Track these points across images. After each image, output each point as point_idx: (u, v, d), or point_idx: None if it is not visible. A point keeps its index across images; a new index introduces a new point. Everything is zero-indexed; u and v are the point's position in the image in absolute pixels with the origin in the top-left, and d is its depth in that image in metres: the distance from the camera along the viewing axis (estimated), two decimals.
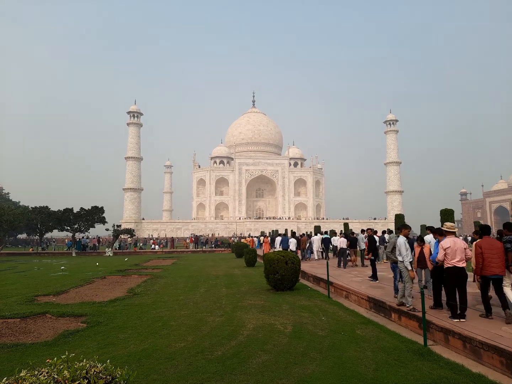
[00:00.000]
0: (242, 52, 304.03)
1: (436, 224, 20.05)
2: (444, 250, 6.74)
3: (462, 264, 6.68)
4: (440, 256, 6.85)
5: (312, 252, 21.74)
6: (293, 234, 22.83)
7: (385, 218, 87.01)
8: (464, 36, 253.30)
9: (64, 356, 2.65)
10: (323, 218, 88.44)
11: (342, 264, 16.10)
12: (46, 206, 39.36)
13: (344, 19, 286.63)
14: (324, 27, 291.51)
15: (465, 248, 6.76)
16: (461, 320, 6.41)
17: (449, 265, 6.70)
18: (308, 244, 21.50)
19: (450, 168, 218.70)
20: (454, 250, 6.67)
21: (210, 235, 69.70)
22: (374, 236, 14.36)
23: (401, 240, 7.63)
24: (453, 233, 6.95)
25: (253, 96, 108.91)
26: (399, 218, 26.73)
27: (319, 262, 19.11)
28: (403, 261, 7.49)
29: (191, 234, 67.05)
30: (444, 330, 6.17)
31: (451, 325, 6.13)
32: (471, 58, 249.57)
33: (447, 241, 6.80)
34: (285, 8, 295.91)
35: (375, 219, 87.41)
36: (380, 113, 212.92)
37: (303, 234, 24.15)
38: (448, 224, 7.01)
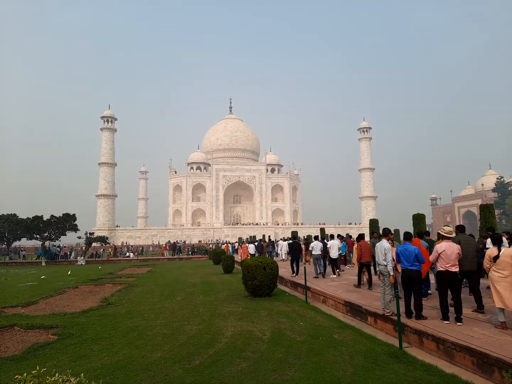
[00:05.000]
0: (220, 58, 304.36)
1: (409, 228, 20.61)
2: (439, 254, 6.77)
3: (455, 269, 6.65)
4: (432, 258, 6.96)
5: (277, 255, 26.81)
6: (253, 241, 28.08)
7: (357, 223, 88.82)
8: (438, 45, 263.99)
9: (34, 371, 2.53)
10: (301, 224, 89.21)
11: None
12: (14, 214, 37.75)
13: (320, 27, 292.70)
14: (301, 34, 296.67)
15: (458, 253, 6.70)
16: (458, 324, 6.45)
17: (442, 269, 6.74)
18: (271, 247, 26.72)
19: (420, 174, 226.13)
20: (449, 254, 6.67)
21: (184, 242, 69.09)
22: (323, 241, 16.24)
23: (387, 244, 7.73)
24: (450, 238, 6.98)
25: (230, 103, 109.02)
26: (373, 223, 27.35)
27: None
28: (386, 265, 7.52)
29: (169, 241, 66.06)
30: (418, 332, 6.32)
31: (424, 327, 6.29)
32: (441, 70, 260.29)
33: (442, 245, 6.82)
34: (262, 15, 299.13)
35: (350, 224, 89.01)
36: (355, 120, 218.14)
37: (260, 240, 30.55)
38: (446, 228, 7.10)
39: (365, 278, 11.79)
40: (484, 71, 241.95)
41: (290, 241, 24.14)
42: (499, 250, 6.32)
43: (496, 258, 6.28)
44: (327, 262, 15.71)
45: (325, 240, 17.05)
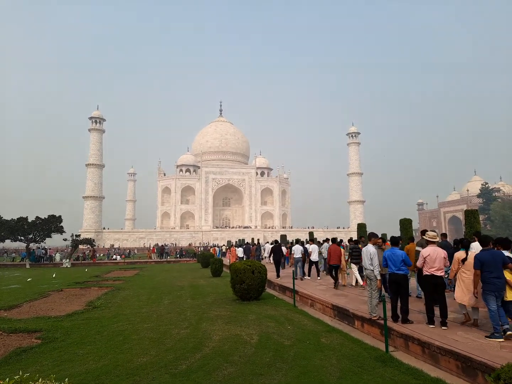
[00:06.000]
0: (211, 61, 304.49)
1: (396, 232, 20.87)
2: (424, 258, 6.90)
3: (440, 273, 6.80)
4: (419, 263, 7.09)
5: (263, 259, 26.63)
6: (241, 244, 28.85)
7: (345, 227, 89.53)
8: (425, 49, 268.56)
9: (17, 376, 2.48)
10: (290, 227, 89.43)
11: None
12: None
13: (308, 31, 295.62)
14: (290, 38, 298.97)
15: (444, 258, 6.87)
16: (443, 327, 6.53)
17: (427, 273, 6.86)
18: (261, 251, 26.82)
19: (408, 179, 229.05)
20: (434, 258, 6.80)
21: (175, 245, 68.67)
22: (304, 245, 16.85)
23: (373, 249, 7.79)
24: (434, 243, 7.11)
25: (220, 105, 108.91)
26: (361, 227, 27.57)
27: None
28: (373, 270, 7.58)
29: (157, 244, 65.54)
30: (404, 336, 6.39)
31: (410, 331, 6.36)
32: (428, 75, 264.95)
33: (427, 250, 6.97)
34: (254, 17, 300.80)
35: (338, 228, 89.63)
36: (344, 125, 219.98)
37: (249, 243, 31.50)
38: (430, 233, 7.24)
39: (340, 279, 12.71)
40: (471, 76, 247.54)
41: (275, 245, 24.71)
42: (467, 254, 6.92)
43: (464, 260, 6.84)
44: (322, 266, 16.36)
45: (305, 244, 17.51)
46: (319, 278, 15.01)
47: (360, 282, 12.26)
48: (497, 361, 4.62)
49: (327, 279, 14.87)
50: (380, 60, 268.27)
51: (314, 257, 15.08)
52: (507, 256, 6.14)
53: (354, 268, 12.42)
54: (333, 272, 12.43)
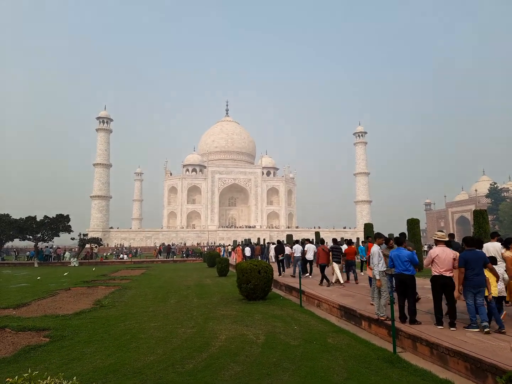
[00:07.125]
0: (217, 61, 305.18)
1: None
2: (432, 258, 6.80)
3: (450, 274, 6.68)
4: (426, 263, 7.05)
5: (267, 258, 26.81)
6: (248, 244, 29.95)
7: (352, 227, 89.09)
8: (432, 49, 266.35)
9: (26, 374, 2.49)
10: (296, 227, 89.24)
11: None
12: (7, 214, 37.38)
13: (314, 34, 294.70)
14: (297, 40, 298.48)
15: (453, 259, 6.72)
16: (451, 328, 6.47)
17: (436, 274, 6.76)
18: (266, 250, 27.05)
19: (415, 179, 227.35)
20: (443, 259, 6.68)
21: (185, 244, 68.97)
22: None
23: (375, 248, 7.74)
24: (443, 242, 7.00)
25: (227, 105, 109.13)
26: (368, 227, 27.41)
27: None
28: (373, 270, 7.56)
29: (163, 243, 65.78)
30: (412, 337, 6.33)
31: (418, 332, 6.30)
32: (436, 74, 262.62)
33: (436, 250, 6.86)
34: (261, 19, 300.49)
35: (344, 228, 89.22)
36: (351, 124, 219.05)
37: (254, 243, 33.21)
38: (439, 233, 7.15)
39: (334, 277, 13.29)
40: (479, 76, 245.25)
41: (278, 244, 24.75)
42: None
43: None
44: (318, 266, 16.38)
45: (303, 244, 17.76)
46: (310, 276, 15.82)
47: (341, 280, 13.01)
48: (508, 363, 4.56)
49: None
50: (387, 61, 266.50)
51: (310, 256, 15.49)
52: (490, 256, 6.86)
53: (336, 267, 13.14)
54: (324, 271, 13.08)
